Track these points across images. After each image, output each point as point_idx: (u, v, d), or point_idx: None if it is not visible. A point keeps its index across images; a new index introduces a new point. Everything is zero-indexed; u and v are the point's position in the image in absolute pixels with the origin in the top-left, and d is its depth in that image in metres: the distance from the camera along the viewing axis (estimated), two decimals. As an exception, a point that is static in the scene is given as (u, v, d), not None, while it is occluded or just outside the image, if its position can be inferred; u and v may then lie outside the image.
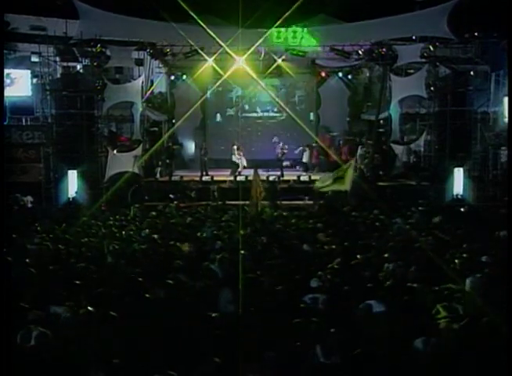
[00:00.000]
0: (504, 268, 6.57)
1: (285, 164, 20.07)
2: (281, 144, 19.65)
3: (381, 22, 16.91)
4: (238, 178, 18.33)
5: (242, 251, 7.81)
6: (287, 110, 21.69)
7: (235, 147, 19.69)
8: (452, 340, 4.64)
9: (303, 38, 17.93)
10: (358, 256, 7.77)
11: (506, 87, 17.41)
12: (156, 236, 10.07)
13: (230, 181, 18.18)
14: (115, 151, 17.80)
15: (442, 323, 4.92)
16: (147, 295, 5.76)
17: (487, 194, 16.86)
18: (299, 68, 20.66)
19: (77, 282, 6.32)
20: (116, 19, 16.49)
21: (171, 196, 16.51)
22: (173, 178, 18.94)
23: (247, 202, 13.82)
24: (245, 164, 19.47)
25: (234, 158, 19.62)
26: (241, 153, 19.58)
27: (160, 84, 20.70)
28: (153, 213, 13.51)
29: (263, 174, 16.66)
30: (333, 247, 8.66)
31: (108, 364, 4.10)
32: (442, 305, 5.22)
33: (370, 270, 7.02)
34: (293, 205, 15.57)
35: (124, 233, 10.57)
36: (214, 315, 5.18)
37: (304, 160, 20.30)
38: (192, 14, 14.85)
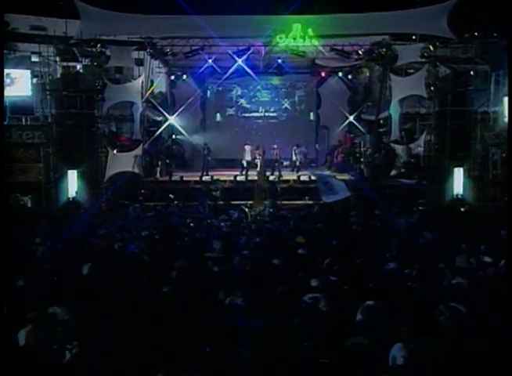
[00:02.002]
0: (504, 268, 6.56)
1: (285, 164, 20.09)
2: (275, 145, 19.60)
3: (381, 16, 16.88)
4: (238, 178, 18.33)
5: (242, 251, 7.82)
6: (287, 109, 21.71)
7: (247, 147, 19.50)
8: (452, 340, 4.63)
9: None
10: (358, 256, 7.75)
11: (506, 87, 17.36)
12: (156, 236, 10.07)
13: (230, 181, 18.18)
14: (115, 151, 17.81)
15: (443, 323, 4.91)
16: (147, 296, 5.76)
17: (487, 194, 16.85)
18: (299, 68, 20.69)
19: (77, 282, 6.31)
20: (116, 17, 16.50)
21: (171, 196, 16.52)
22: (173, 178, 18.95)
23: (248, 202, 13.83)
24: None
25: (253, 158, 19.22)
26: (261, 153, 19.04)
27: (160, 84, 20.72)
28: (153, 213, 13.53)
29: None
30: (333, 246, 8.66)
31: (107, 364, 4.10)
32: (443, 305, 5.20)
33: (370, 270, 7.00)
34: (292, 205, 15.58)
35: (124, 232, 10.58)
36: (214, 316, 5.18)
37: (293, 158, 20.19)
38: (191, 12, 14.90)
